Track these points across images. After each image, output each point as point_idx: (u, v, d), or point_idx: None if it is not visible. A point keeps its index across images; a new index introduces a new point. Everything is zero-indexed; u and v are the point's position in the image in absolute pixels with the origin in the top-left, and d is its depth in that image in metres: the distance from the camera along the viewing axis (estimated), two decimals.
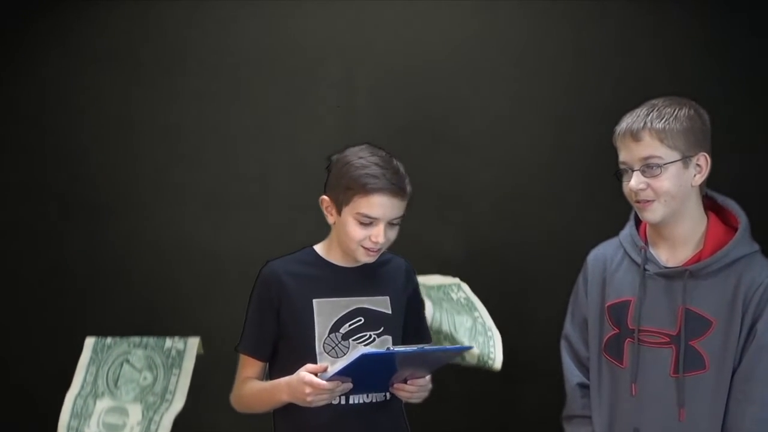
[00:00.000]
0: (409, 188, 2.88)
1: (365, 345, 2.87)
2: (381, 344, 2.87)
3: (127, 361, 3.27)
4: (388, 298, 2.93)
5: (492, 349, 3.21)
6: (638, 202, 2.81)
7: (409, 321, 2.99)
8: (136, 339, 3.29)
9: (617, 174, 2.85)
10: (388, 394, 2.88)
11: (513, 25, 4.11)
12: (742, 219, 2.86)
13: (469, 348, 2.81)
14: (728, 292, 2.77)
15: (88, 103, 4.20)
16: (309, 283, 2.89)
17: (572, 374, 2.98)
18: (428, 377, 2.83)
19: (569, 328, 3.02)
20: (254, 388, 2.91)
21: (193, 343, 3.28)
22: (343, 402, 2.85)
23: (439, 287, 3.39)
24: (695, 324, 2.77)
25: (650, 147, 2.76)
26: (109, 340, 3.29)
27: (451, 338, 3.19)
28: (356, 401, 2.86)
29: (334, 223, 2.91)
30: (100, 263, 4.20)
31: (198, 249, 4.16)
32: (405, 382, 2.81)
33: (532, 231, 4.06)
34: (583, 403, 2.95)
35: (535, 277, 4.07)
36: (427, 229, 4.06)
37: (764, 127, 3.89)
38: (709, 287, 2.78)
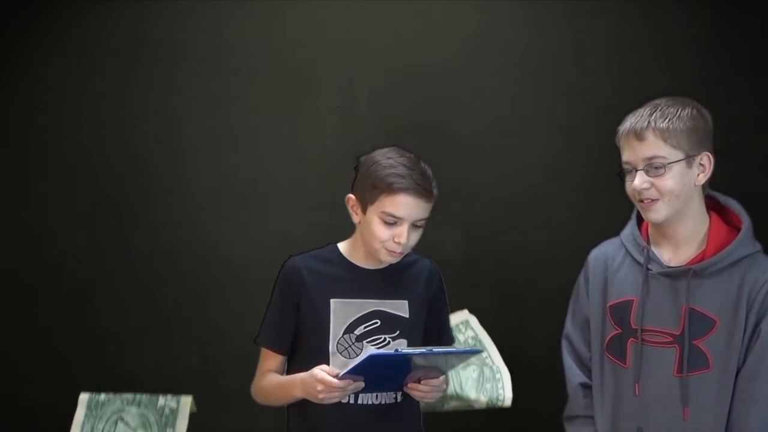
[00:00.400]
0: (435, 191, 2.89)
1: (378, 348, 2.87)
2: (394, 348, 2.87)
3: (122, 419, 3.33)
4: (407, 301, 2.93)
5: (501, 391, 3.25)
6: (641, 201, 2.81)
7: (433, 323, 2.99)
8: (129, 396, 3.36)
9: (620, 174, 2.85)
10: (398, 396, 2.89)
11: (513, 25, 4.10)
12: (744, 219, 2.86)
13: (479, 351, 2.84)
14: (732, 292, 2.77)
15: (88, 103, 4.20)
16: (328, 282, 2.90)
17: (574, 374, 2.97)
18: (442, 378, 2.84)
19: (570, 328, 3.01)
20: (272, 381, 2.93)
21: (186, 402, 3.34)
22: (352, 401, 2.86)
23: None
24: (699, 323, 2.77)
25: (654, 147, 2.76)
26: (102, 396, 3.36)
27: (458, 397, 3.22)
28: (366, 402, 2.87)
29: (359, 222, 2.92)
30: (102, 263, 4.19)
31: (199, 249, 4.15)
32: (419, 382, 2.82)
33: (532, 231, 4.06)
34: (585, 403, 2.95)
35: (535, 277, 4.07)
36: (426, 229, 4.05)
37: (764, 127, 3.89)
38: (713, 287, 2.78)
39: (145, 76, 4.18)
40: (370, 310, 2.89)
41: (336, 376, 2.73)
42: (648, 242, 2.91)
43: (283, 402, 2.93)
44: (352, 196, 2.93)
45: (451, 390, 3.21)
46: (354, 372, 2.69)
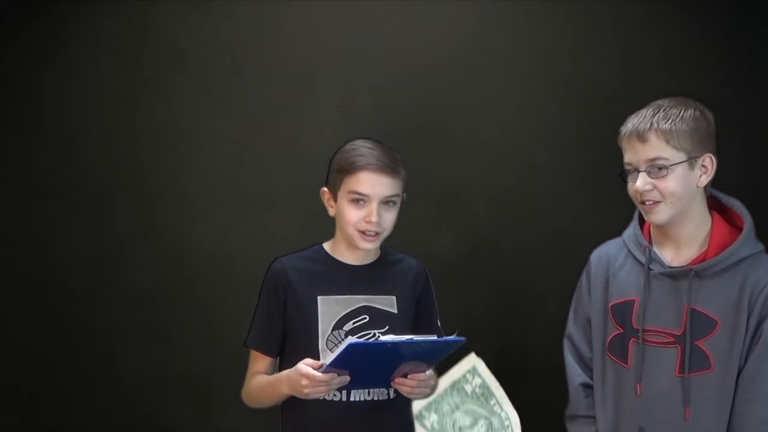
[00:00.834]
0: (401, 168, 2.91)
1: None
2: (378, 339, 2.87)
3: None
4: (394, 297, 2.94)
5: None
6: (643, 203, 2.80)
7: (421, 322, 2.98)
8: None
9: (622, 175, 2.85)
10: (391, 393, 2.89)
11: (513, 26, 4.11)
12: (747, 219, 2.86)
13: (461, 341, 2.75)
14: (734, 292, 2.77)
15: (87, 103, 4.20)
16: (314, 280, 2.91)
17: (575, 374, 2.97)
18: (429, 372, 2.83)
19: (572, 327, 3.01)
20: (260, 381, 2.93)
21: None
22: (344, 399, 2.86)
23: (453, 386, 3.41)
24: (700, 324, 2.77)
25: (656, 148, 2.76)
26: None
27: None
28: (358, 398, 2.87)
29: (335, 214, 2.93)
30: (102, 263, 4.19)
31: (199, 249, 4.16)
32: (406, 377, 2.81)
33: (532, 230, 4.06)
34: (586, 403, 2.94)
35: (534, 276, 4.08)
36: (426, 229, 4.06)
37: (765, 127, 3.90)
38: (715, 287, 2.78)
39: (145, 76, 4.18)
40: (358, 305, 2.90)
41: (321, 367, 2.73)
42: (650, 242, 2.90)
43: (272, 401, 2.93)
44: (324, 189, 2.96)
45: None
46: (337, 364, 2.68)
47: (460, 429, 2.86)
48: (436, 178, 4.09)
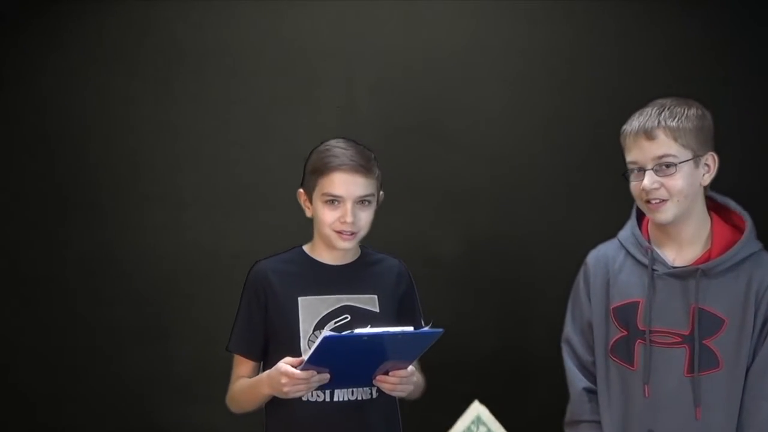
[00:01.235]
0: (375, 167, 2.91)
1: None
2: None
3: None
4: (376, 296, 2.94)
5: None
6: (649, 202, 2.79)
7: (405, 321, 2.94)
8: None
9: (625, 175, 2.85)
10: (374, 392, 2.88)
11: (512, 25, 4.11)
12: (747, 218, 2.87)
13: (439, 332, 2.73)
14: (740, 290, 2.78)
15: (85, 103, 4.18)
16: (295, 281, 2.91)
17: (577, 379, 2.94)
18: (411, 368, 2.81)
19: (570, 332, 2.98)
20: (242, 384, 2.93)
21: None
22: (328, 399, 2.86)
23: None
24: (708, 323, 2.77)
25: (665, 145, 2.76)
26: None
27: None
28: (341, 398, 2.87)
29: (312, 216, 2.94)
30: (100, 264, 4.18)
31: (199, 249, 4.15)
32: (387, 374, 2.81)
33: (532, 230, 4.06)
34: (590, 408, 2.92)
35: (533, 275, 4.09)
36: (426, 228, 4.07)
37: (764, 127, 3.91)
38: (721, 286, 2.79)
39: (144, 76, 4.17)
40: (340, 305, 2.90)
41: (300, 366, 2.72)
42: (649, 242, 2.89)
43: (255, 404, 2.92)
44: (300, 190, 2.97)
45: None
46: (315, 360, 2.68)
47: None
48: (435, 177, 4.09)
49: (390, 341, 2.70)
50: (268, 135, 4.16)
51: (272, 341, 2.92)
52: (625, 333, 2.86)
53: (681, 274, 2.81)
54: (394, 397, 2.92)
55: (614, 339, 2.88)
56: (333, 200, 2.87)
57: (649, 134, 2.77)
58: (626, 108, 2.92)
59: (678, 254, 2.85)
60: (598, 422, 2.90)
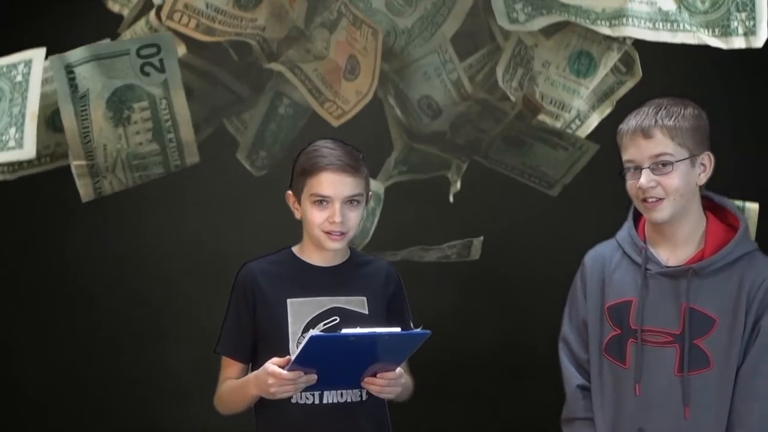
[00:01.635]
0: (363, 167, 2.90)
1: None
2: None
3: None
4: (364, 298, 2.92)
5: None
6: (645, 201, 2.80)
7: (394, 323, 2.92)
8: None
9: (621, 174, 2.86)
10: (364, 394, 2.87)
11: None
12: (741, 217, 2.87)
13: (427, 334, 2.72)
14: (731, 290, 2.79)
15: None
16: (283, 283, 2.90)
17: (572, 376, 2.95)
18: (399, 370, 2.81)
19: (567, 330, 2.99)
20: (230, 386, 2.92)
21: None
22: (317, 401, 2.85)
23: None
24: (699, 322, 2.78)
25: (662, 144, 2.77)
26: None
27: None
28: (330, 400, 2.86)
29: (301, 217, 2.93)
30: (100, 264, 4.20)
31: (198, 249, 4.18)
32: (375, 376, 2.80)
33: (532, 229, 4.06)
34: (584, 405, 2.92)
35: (534, 274, 4.09)
36: (425, 228, 4.07)
37: (763, 127, 3.91)
38: (712, 286, 2.79)
39: None
40: (329, 307, 2.88)
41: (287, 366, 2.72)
42: (644, 242, 2.90)
43: (242, 405, 2.92)
44: (289, 192, 2.96)
45: None
46: (302, 360, 2.68)
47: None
48: (434, 178, 4.09)
49: (377, 342, 2.70)
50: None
51: (261, 343, 2.91)
52: (619, 332, 2.87)
53: (673, 274, 2.82)
54: (384, 399, 2.91)
55: (608, 337, 2.89)
56: (321, 200, 2.86)
57: (646, 133, 2.78)
58: (625, 108, 2.93)
59: (672, 254, 2.86)
60: (592, 419, 2.90)
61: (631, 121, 2.82)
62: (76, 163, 3.51)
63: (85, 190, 3.55)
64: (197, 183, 4.19)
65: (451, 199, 4.00)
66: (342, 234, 2.87)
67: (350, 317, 2.87)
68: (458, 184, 4.02)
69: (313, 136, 2.95)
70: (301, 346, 2.67)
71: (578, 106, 3.83)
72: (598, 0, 3.57)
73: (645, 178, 2.78)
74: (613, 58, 3.80)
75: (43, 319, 4.23)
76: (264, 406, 2.87)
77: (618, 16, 3.57)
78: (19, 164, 3.58)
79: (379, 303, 2.94)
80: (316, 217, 2.86)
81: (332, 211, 2.85)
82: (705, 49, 3.87)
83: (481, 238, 3.85)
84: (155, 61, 3.48)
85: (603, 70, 3.81)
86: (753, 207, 3.47)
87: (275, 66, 3.83)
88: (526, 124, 3.93)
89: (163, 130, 3.56)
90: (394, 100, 4.09)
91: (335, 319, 2.87)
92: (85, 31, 3.79)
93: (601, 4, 3.58)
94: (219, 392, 2.96)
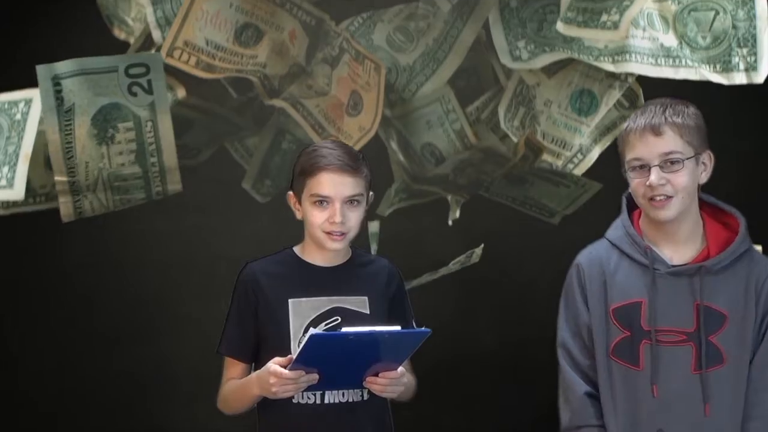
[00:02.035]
0: (364, 167, 2.90)
1: None
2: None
3: None
4: (366, 298, 2.90)
5: None
6: (652, 199, 2.78)
7: (394, 324, 2.87)
8: None
9: (625, 172, 2.85)
10: (365, 394, 2.85)
11: None
12: (739, 215, 2.88)
13: (427, 332, 2.71)
14: (740, 286, 2.79)
15: None
16: (285, 283, 2.89)
17: (577, 384, 2.88)
18: (401, 370, 2.79)
19: (566, 336, 2.92)
20: (232, 386, 2.91)
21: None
22: (318, 401, 2.83)
23: None
24: (711, 319, 2.77)
25: (672, 142, 2.77)
26: None
27: None
28: (332, 400, 2.83)
29: (303, 218, 2.92)
30: (102, 265, 4.15)
31: (200, 251, 4.14)
32: (377, 376, 2.78)
33: (531, 228, 4.03)
34: (594, 413, 2.86)
35: (533, 274, 4.05)
36: (425, 228, 4.04)
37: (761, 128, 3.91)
38: (721, 282, 2.79)
39: None
40: (330, 307, 2.87)
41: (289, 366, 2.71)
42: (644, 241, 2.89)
43: (244, 405, 2.90)
44: (290, 192, 2.95)
45: None
46: (303, 360, 2.67)
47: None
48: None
49: (378, 341, 2.69)
50: None
51: (262, 343, 2.89)
52: (628, 334, 2.83)
53: (683, 272, 2.81)
54: (386, 399, 2.89)
55: (615, 340, 2.84)
56: (321, 201, 2.85)
57: (656, 130, 2.78)
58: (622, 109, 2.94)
59: (675, 252, 2.84)
60: (602, 426, 2.85)
61: (639, 120, 2.82)
62: (58, 179, 3.48)
63: (65, 208, 3.52)
64: (201, 184, 4.15)
65: (450, 222, 3.99)
66: (342, 234, 2.86)
67: (352, 317, 2.85)
68: (457, 213, 4.01)
69: None
70: (301, 346, 2.66)
71: (580, 142, 3.84)
72: (600, 36, 3.59)
73: (655, 176, 2.76)
74: (614, 96, 3.82)
75: (41, 319, 4.19)
76: (266, 406, 2.86)
77: (621, 52, 3.59)
78: (13, 202, 3.53)
79: (380, 303, 2.92)
80: (317, 218, 2.85)
81: (332, 211, 2.84)
82: (707, 84, 3.93)
83: (482, 246, 3.83)
84: (143, 81, 3.46)
85: (604, 108, 3.83)
86: (757, 248, 3.46)
87: (277, 102, 3.83)
88: (529, 165, 3.92)
89: (146, 153, 3.53)
90: (396, 145, 4.09)
91: (337, 319, 2.85)
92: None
93: (603, 41, 3.61)
94: (222, 393, 2.94)
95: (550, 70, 3.89)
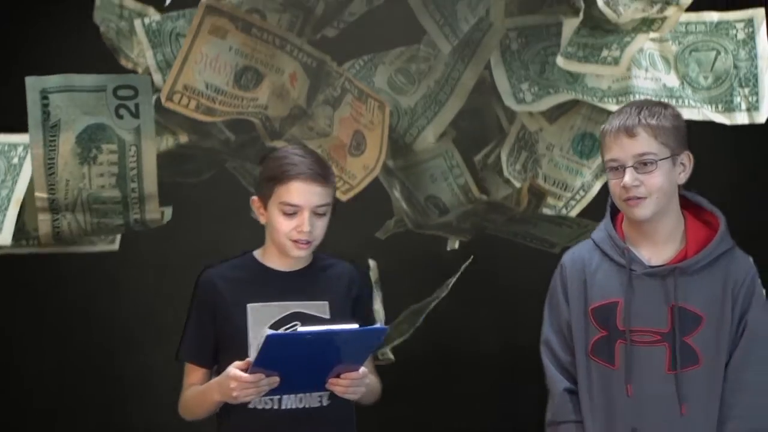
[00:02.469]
0: (332, 176, 2.91)
1: None
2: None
3: None
4: (327, 302, 2.89)
5: None
6: (628, 199, 2.80)
7: (358, 323, 2.87)
8: None
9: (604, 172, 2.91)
10: (324, 400, 2.83)
11: None
12: (720, 215, 2.89)
13: (384, 330, 2.73)
14: (716, 287, 2.79)
15: None
16: (243, 288, 2.88)
17: (557, 380, 2.90)
18: (363, 370, 2.78)
19: (548, 332, 2.95)
20: (193, 392, 2.89)
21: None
22: (276, 407, 2.81)
23: None
24: (686, 320, 2.77)
25: (645, 143, 2.79)
26: None
27: None
28: (289, 406, 2.82)
29: (266, 222, 2.91)
30: (102, 266, 4.16)
31: (200, 252, 4.11)
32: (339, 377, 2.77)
33: (530, 228, 3.97)
34: (573, 408, 2.87)
35: (531, 274, 3.99)
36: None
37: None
38: (697, 283, 2.80)
39: None
40: (289, 312, 2.85)
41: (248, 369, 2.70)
42: (624, 242, 2.89)
43: (205, 410, 2.87)
44: (254, 197, 2.94)
45: None
46: (262, 363, 2.66)
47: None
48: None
49: (336, 340, 2.68)
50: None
51: (222, 349, 2.88)
52: (605, 333, 2.84)
53: (658, 273, 2.82)
54: (351, 406, 2.88)
55: (594, 339, 2.85)
56: (290, 209, 2.84)
57: (630, 132, 2.80)
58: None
59: (654, 253, 2.85)
60: (581, 422, 2.86)
61: (615, 121, 2.85)
62: (38, 195, 3.49)
63: (43, 227, 3.52)
64: (202, 185, 4.17)
65: (448, 248, 3.97)
66: (308, 243, 2.86)
67: (312, 322, 2.82)
68: (456, 244, 3.99)
69: None
70: (259, 347, 2.65)
71: (582, 182, 3.82)
72: (600, 71, 3.60)
73: (629, 177, 2.79)
74: None
75: (40, 320, 4.25)
76: (224, 412, 2.85)
77: (624, 92, 3.62)
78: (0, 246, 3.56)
79: (342, 307, 2.91)
80: (284, 226, 2.85)
81: (301, 220, 2.83)
82: (709, 124, 3.91)
83: (471, 257, 3.81)
84: (131, 104, 3.49)
85: None
86: None
87: (278, 144, 3.85)
88: (532, 210, 3.90)
89: (127, 177, 3.54)
90: (399, 194, 4.10)
91: (296, 325, 2.82)
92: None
93: (606, 82, 3.63)
94: (183, 399, 2.92)
95: (552, 115, 3.89)
